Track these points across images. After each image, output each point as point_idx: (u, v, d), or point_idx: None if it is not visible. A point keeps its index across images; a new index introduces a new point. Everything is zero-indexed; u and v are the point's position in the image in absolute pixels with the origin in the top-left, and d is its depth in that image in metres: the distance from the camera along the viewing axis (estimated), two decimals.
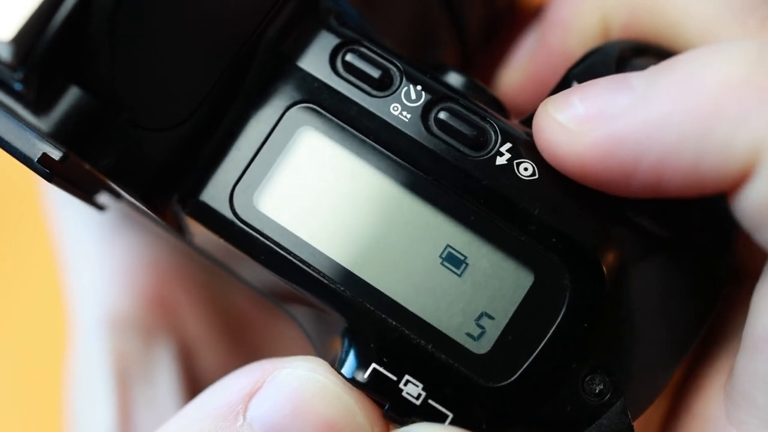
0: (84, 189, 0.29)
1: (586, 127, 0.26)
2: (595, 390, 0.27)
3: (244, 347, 0.38)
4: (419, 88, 0.28)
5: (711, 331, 0.30)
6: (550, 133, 0.27)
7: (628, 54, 0.30)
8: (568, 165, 0.27)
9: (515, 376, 0.26)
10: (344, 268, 0.27)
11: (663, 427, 0.31)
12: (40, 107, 0.24)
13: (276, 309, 0.38)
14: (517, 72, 0.34)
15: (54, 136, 0.24)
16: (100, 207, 0.31)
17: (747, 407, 0.26)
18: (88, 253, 0.37)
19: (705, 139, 0.24)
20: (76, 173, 0.27)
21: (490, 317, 0.27)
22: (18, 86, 0.24)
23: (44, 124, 0.24)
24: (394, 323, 0.27)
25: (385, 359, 0.27)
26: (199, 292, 0.38)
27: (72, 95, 0.24)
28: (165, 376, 0.36)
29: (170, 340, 0.37)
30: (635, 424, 0.27)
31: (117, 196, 0.30)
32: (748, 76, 0.25)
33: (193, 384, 0.36)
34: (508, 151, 0.27)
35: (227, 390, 0.28)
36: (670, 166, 0.25)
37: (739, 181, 0.25)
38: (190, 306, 0.37)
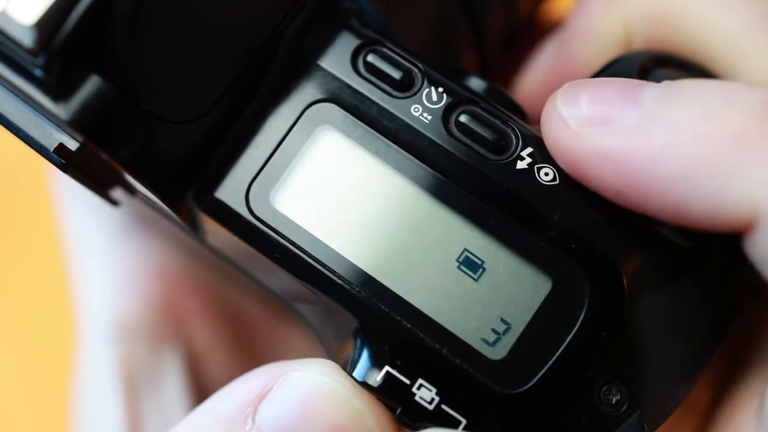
0: (99, 182, 0.28)
1: (586, 131, 0.26)
2: (612, 400, 0.26)
3: (253, 356, 0.37)
4: (441, 90, 0.28)
5: (738, 353, 0.30)
6: (553, 125, 0.26)
7: (651, 64, 0.29)
8: (564, 161, 0.26)
9: (531, 384, 0.26)
10: (359, 268, 0.27)
11: None
12: (59, 94, 0.24)
13: (286, 318, 0.37)
14: (536, 79, 0.34)
15: (73, 124, 0.24)
16: (113, 202, 0.31)
17: None
18: (99, 258, 0.37)
19: (696, 185, 0.24)
20: (92, 165, 0.27)
21: (507, 323, 0.26)
22: (38, 72, 0.24)
23: (63, 111, 0.24)
24: (408, 326, 0.26)
25: (398, 362, 0.26)
26: (208, 300, 0.37)
27: (92, 84, 0.24)
28: (173, 383, 0.36)
29: (178, 347, 0.36)
30: None
31: (132, 191, 0.29)
32: (750, 128, 0.24)
33: (201, 392, 0.36)
34: (528, 155, 0.27)
35: (236, 393, 0.27)
36: (656, 196, 0.25)
37: (744, 228, 0.25)
38: (199, 314, 0.37)
